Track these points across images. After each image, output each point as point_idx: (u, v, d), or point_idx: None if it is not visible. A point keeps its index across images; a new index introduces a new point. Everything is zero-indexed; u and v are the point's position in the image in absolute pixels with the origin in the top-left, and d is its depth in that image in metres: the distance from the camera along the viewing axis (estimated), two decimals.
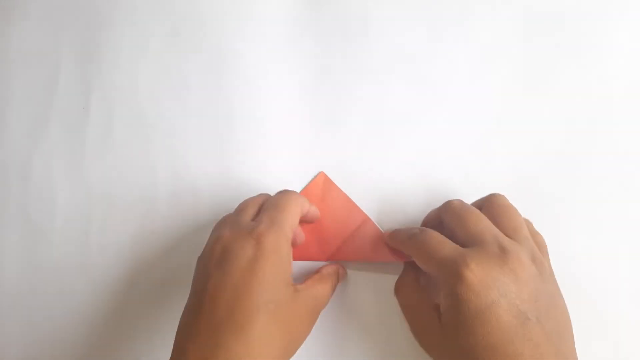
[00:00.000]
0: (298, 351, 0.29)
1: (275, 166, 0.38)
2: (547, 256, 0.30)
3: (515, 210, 0.30)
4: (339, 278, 0.34)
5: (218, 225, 0.32)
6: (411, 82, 0.38)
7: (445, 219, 0.31)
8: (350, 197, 0.36)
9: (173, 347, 0.28)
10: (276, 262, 0.28)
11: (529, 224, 0.31)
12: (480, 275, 0.26)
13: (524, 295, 0.26)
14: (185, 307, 0.29)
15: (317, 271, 0.33)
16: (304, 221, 0.34)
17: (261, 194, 0.34)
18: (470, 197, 0.36)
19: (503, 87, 0.37)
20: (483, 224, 0.29)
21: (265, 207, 0.31)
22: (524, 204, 0.36)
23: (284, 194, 0.32)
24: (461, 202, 0.31)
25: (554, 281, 0.28)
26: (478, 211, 0.30)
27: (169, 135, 0.40)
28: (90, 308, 0.38)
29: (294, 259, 0.34)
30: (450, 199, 0.36)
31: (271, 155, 0.38)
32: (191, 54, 0.40)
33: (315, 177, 0.37)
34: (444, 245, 0.28)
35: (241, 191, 0.38)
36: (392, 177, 0.37)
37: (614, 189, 0.35)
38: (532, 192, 0.36)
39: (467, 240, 0.28)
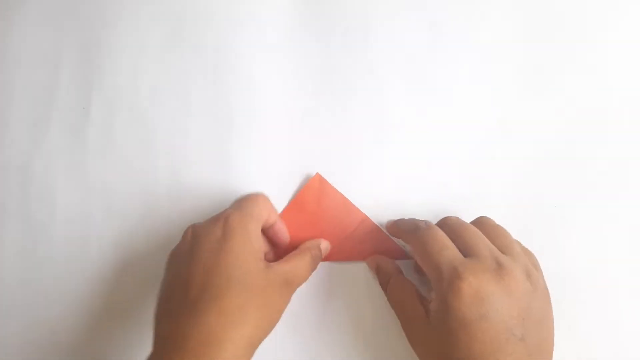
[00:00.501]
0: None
1: (275, 166, 0.38)
2: (540, 272, 0.30)
3: (505, 229, 0.31)
4: (320, 251, 0.34)
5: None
6: (411, 83, 0.38)
7: (445, 230, 0.31)
8: (348, 197, 0.36)
9: (154, 332, 0.29)
10: (243, 238, 0.29)
11: (518, 243, 0.31)
12: (475, 288, 0.26)
13: (514, 312, 0.26)
14: (159, 296, 0.30)
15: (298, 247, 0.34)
16: (271, 232, 0.35)
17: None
18: (469, 197, 0.36)
19: (503, 88, 0.37)
20: (479, 238, 0.29)
21: (234, 202, 0.34)
22: (524, 204, 0.36)
23: (251, 193, 0.35)
24: (458, 218, 0.31)
25: (547, 297, 0.29)
26: (474, 227, 0.30)
27: (169, 135, 0.40)
28: (90, 307, 0.38)
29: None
30: (450, 199, 0.36)
31: (270, 155, 0.38)
32: (191, 54, 0.40)
33: (311, 178, 0.37)
34: (446, 248, 0.28)
35: (241, 191, 0.38)
36: (391, 177, 0.37)
37: (616, 190, 0.35)
38: (532, 192, 0.36)
39: (463, 251, 0.29)
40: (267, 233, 0.35)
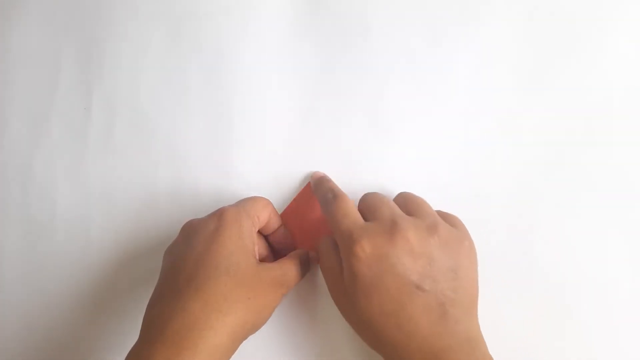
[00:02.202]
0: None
1: (274, 166, 0.38)
2: (460, 230, 0.30)
3: (421, 199, 0.32)
4: (310, 259, 0.35)
5: None
6: (411, 83, 0.38)
7: (359, 207, 0.32)
8: (349, 198, 0.36)
9: (142, 319, 0.29)
10: (236, 233, 0.30)
11: (430, 208, 0.31)
12: (370, 250, 0.27)
13: (415, 266, 0.27)
14: (155, 287, 0.30)
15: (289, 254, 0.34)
16: (274, 238, 0.35)
17: None
18: (470, 198, 0.36)
19: (504, 88, 0.37)
20: (383, 203, 0.30)
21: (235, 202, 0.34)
22: (524, 203, 0.35)
23: (256, 196, 0.35)
24: (376, 193, 0.33)
25: (460, 249, 0.29)
26: (382, 197, 0.32)
27: (170, 135, 0.40)
28: (90, 306, 0.38)
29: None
30: (450, 199, 0.36)
31: (271, 156, 0.38)
32: (192, 54, 0.40)
33: (304, 187, 0.37)
34: (347, 217, 0.30)
35: (241, 191, 0.38)
36: (391, 178, 0.37)
37: (616, 190, 0.35)
38: (533, 192, 0.36)
39: (366, 215, 0.30)
40: (270, 239, 0.36)
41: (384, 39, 0.38)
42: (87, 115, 0.41)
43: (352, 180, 0.37)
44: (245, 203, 0.33)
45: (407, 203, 0.31)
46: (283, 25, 0.40)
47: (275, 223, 0.35)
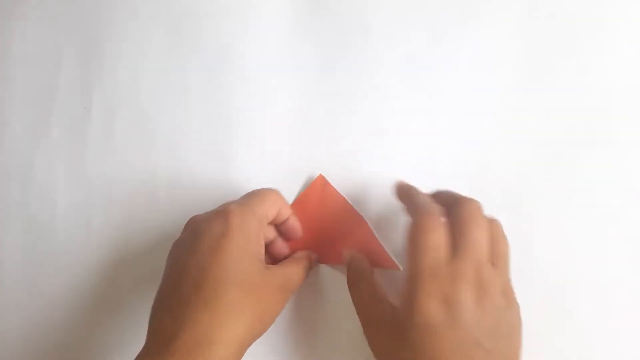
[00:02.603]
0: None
1: (275, 166, 0.38)
2: (508, 266, 0.29)
3: (507, 240, 0.30)
4: (312, 262, 0.34)
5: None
6: (411, 83, 0.38)
7: (456, 211, 0.29)
8: (349, 198, 0.36)
9: (148, 324, 0.29)
10: (243, 238, 0.29)
11: (497, 226, 0.30)
12: (447, 293, 0.26)
13: (483, 324, 0.26)
14: (159, 287, 0.30)
15: (289, 256, 0.34)
16: (283, 227, 0.35)
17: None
18: (471, 196, 0.36)
19: (504, 89, 0.37)
20: (479, 240, 0.28)
21: (243, 195, 0.33)
22: (524, 203, 0.35)
23: (265, 188, 0.33)
24: (478, 206, 0.29)
25: (518, 312, 0.28)
26: (485, 225, 0.29)
27: (170, 135, 0.40)
28: (91, 306, 0.38)
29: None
30: None
31: (271, 156, 0.38)
32: (192, 54, 0.40)
33: (314, 180, 0.37)
34: (436, 249, 0.27)
35: (241, 190, 0.38)
36: (392, 178, 0.37)
37: (616, 189, 0.35)
38: (533, 191, 0.36)
39: (455, 245, 0.28)
40: (280, 228, 0.35)
41: (384, 38, 0.38)
42: (87, 115, 0.41)
43: (353, 180, 0.37)
44: (253, 201, 0.31)
45: (495, 245, 0.28)
46: (283, 25, 0.40)
47: (285, 214, 0.34)
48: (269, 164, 0.38)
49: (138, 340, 0.37)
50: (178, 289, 0.28)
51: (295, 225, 0.35)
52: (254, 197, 0.32)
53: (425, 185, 0.36)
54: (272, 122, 0.39)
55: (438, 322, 0.26)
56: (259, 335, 0.29)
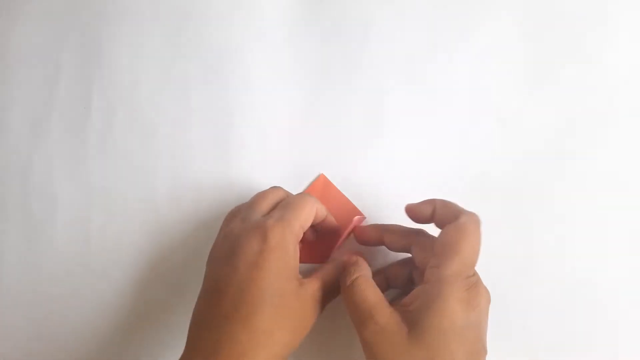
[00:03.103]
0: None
1: (275, 166, 0.38)
2: None
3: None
4: (356, 266, 0.32)
5: (230, 217, 0.33)
6: (411, 83, 0.38)
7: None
8: (350, 198, 0.36)
9: (187, 337, 0.29)
10: (281, 257, 0.29)
11: None
12: (473, 296, 0.27)
13: (484, 327, 0.28)
14: (198, 300, 0.30)
15: (327, 262, 0.33)
16: (320, 227, 0.34)
17: (275, 188, 0.34)
18: (471, 196, 0.36)
19: (503, 88, 0.37)
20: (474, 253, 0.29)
21: (280, 205, 0.32)
22: (524, 204, 0.36)
23: (301, 195, 0.33)
24: (477, 220, 0.30)
25: None
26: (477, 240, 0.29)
27: (170, 135, 0.40)
28: (90, 306, 0.38)
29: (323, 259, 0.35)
30: (451, 196, 0.36)
31: (271, 156, 0.38)
32: (192, 54, 0.40)
33: (316, 178, 0.37)
34: (473, 254, 0.29)
35: (241, 191, 0.38)
36: (392, 178, 0.37)
37: (616, 186, 0.35)
38: (533, 190, 0.36)
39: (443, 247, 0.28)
40: (318, 227, 0.34)
41: (384, 38, 0.38)
42: (87, 115, 0.41)
43: (353, 179, 0.37)
44: (290, 214, 0.31)
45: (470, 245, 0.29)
46: (283, 25, 0.40)
47: (321, 216, 0.33)
48: (270, 164, 0.38)
49: (136, 338, 0.37)
50: (217, 306, 0.29)
51: (332, 224, 0.34)
52: (291, 209, 0.31)
53: (425, 184, 0.36)
54: (272, 122, 0.39)
55: (460, 325, 0.26)
56: (295, 348, 0.29)
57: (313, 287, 0.30)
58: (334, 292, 0.32)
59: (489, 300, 0.28)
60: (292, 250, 0.30)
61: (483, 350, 0.27)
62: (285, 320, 0.28)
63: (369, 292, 0.29)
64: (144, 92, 0.40)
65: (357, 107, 0.38)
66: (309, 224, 0.32)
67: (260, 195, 0.33)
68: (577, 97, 0.36)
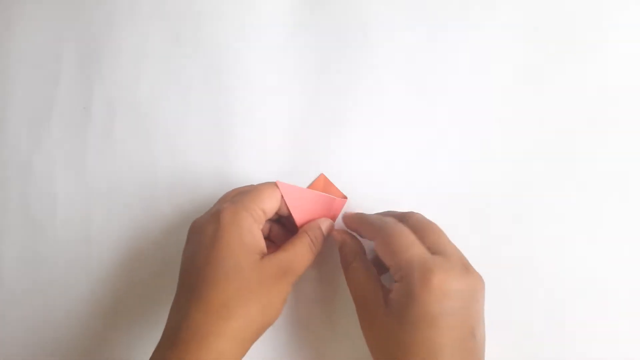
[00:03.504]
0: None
1: (276, 166, 0.38)
2: (451, 244, 0.30)
3: (427, 220, 0.30)
4: (323, 231, 0.33)
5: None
6: (411, 82, 0.38)
7: (408, 226, 0.30)
8: (350, 197, 0.36)
9: None
10: (235, 233, 0.29)
11: (417, 218, 0.31)
12: (445, 284, 0.26)
13: (475, 312, 0.27)
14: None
15: (295, 236, 0.33)
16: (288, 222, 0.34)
17: (247, 185, 0.35)
18: (471, 196, 0.36)
19: (504, 88, 0.37)
20: (444, 237, 0.29)
21: (239, 192, 0.33)
22: (525, 203, 0.36)
23: (263, 183, 0.33)
24: (422, 215, 0.31)
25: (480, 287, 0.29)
26: (437, 226, 0.30)
27: (170, 135, 0.40)
28: (90, 304, 0.38)
29: None
30: (450, 199, 0.36)
31: (271, 156, 0.38)
32: (192, 54, 0.40)
33: (316, 179, 0.37)
34: (414, 245, 0.28)
35: None
36: (392, 177, 0.37)
37: (615, 188, 0.35)
38: (533, 191, 0.36)
39: (431, 248, 0.28)
40: (288, 220, 0.35)
41: (384, 37, 0.38)
42: (87, 114, 0.41)
43: (352, 180, 0.37)
44: (245, 197, 0.31)
45: (429, 235, 0.29)
46: (283, 25, 0.40)
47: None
48: (270, 164, 0.38)
49: (136, 339, 0.37)
50: (180, 290, 0.30)
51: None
52: (247, 193, 0.32)
53: (426, 184, 0.36)
54: (272, 122, 0.39)
55: (436, 313, 0.26)
56: (263, 327, 0.29)
57: (276, 259, 0.30)
58: (301, 262, 0.31)
59: (475, 286, 0.27)
60: (248, 227, 0.30)
61: (471, 336, 0.26)
62: (245, 294, 0.28)
63: (362, 268, 0.31)
64: (144, 92, 0.40)
65: (357, 106, 0.38)
66: (271, 206, 0.32)
67: (225, 194, 0.34)
68: (578, 98, 0.36)
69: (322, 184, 0.37)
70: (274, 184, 0.33)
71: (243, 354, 0.29)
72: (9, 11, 0.43)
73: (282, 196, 0.33)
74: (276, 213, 0.33)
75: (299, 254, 0.31)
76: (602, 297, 0.34)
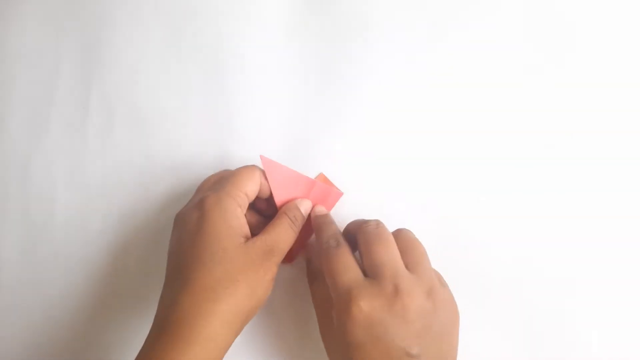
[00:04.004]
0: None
1: None
2: (445, 287, 0.30)
3: (420, 243, 0.30)
4: (302, 211, 0.33)
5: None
6: (411, 82, 0.38)
7: (359, 239, 0.30)
8: (349, 196, 0.36)
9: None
10: (218, 218, 0.30)
11: (406, 234, 0.31)
12: (366, 313, 0.27)
13: (409, 333, 0.27)
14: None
15: (276, 217, 0.33)
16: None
17: (223, 171, 0.35)
18: (470, 196, 0.36)
19: (504, 88, 0.37)
20: (387, 256, 0.29)
21: (219, 178, 0.33)
22: (524, 206, 0.36)
23: (243, 166, 0.33)
24: (377, 225, 0.31)
25: (450, 312, 0.29)
26: (389, 239, 0.30)
27: (169, 134, 0.40)
28: (90, 306, 0.38)
29: (292, 259, 0.35)
30: (453, 198, 0.36)
31: (271, 155, 0.38)
32: (191, 53, 0.40)
33: (316, 177, 0.37)
34: (347, 270, 0.29)
35: None
36: (392, 177, 0.37)
37: (615, 189, 0.35)
38: (533, 191, 0.36)
39: (368, 269, 0.29)
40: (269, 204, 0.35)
41: (384, 37, 0.39)
42: (85, 114, 0.41)
43: (352, 180, 0.37)
44: (226, 183, 0.32)
45: (408, 252, 0.30)
46: (283, 23, 0.40)
47: (268, 188, 0.34)
48: None
49: (138, 337, 0.37)
50: (167, 278, 0.30)
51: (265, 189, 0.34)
52: (227, 178, 0.32)
53: (426, 183, 0.36)
54: (272, 122, 0.39)
55: (362, 340, 0.27)
56: (254, 309, 0.30)
57: (260, 240, 0.30)
58: (284, 242, 0.31)
59: (414, 308, 0.27)
60: (232, 211, 0.30)
61: (406, 356, 0.26)
62: (233, 276, 0.28)
63: (322, 290, 0.31)
64: (143, 91, 0.40)
65: (357, 106, 0.38)
66: (252, 189, 0.32)
67: (205, 180, 0.35)
68: (577, 97, 0.37)
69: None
70: (253, 166, 0.33)
71: (234, 338, 0.29)
72: (7, 10, 0.43)
73: (263, 177, 0.33)
74: (258, 197, 0.34)
75: (281, 234, 0.31)
76: (603, 298, 0.34)
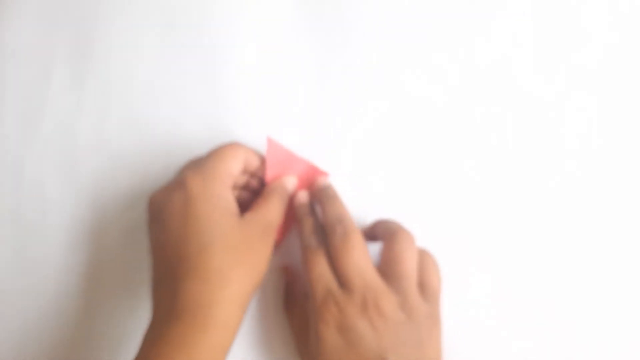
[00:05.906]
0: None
1: None
2: (433, 298, 0.30)
3: (411, 256, 0.30)
4: (288, 189, 0.34)
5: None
6: (411, 81, 0.38)
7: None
8: (349, 196, 0.36)
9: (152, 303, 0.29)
10: (208, 199, 0.29)
11: (427, 256, 0.31)
12: (338, 319, 0.28)
13: (383, 341, 0.27)
14: (152, 270, 0.30)
15: (262, 193, 0.33)
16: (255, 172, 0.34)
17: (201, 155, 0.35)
18: (470, 196, 0.36)
19: (505, 88, 0.37)
20: (360, 267, 0.29)
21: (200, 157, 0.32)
22: (525, 206, 0.36)
23: (223, 144, 0.33)
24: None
25: (428, 323, 0.29)
26: (362, 249, 0.30)
27: (164, 133, 0.39)
28: (83, 304, 0.38)
29: (280, 241, 0.35)
30: (450, 199, 0.36)
31: None
32: (187, 51, 0.40)
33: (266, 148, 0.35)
34: (323, 277, 0.29)
35: None
36: (391, 176, 0.37)
37: (615, 190, 0.36)
38: (533, 191, 0.36)
39: (340, 277, 0.29)
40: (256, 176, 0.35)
41: (384, 36, 0.38)
42: (78, 112, 0.40)
43: (352, 180, 0.37)
44: (209, 162, 0.31)
45: (390, 263, 0.30)
46: (282, 20, 0.40)
47: (254, 162, 0.34)
48: None
49: (134, 335, 0.37)
50: (164, 264, 0.29)
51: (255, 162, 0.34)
52: (210, 157, 0.31)
53: (426, 183, 0.36)
54: (272, 121, 0.38)
55: (336, 347, 0.27)
56: (255, 287, 0.29)
57: (254, 217, 0.30)
58: (275, 218, 0.31)
59: (386, 316, 0.28)
60: (219, 192, 0.30)
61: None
62: (232, 259, 0.28)
63: (300, 315, 0.33)
64: (137, 90, 0.40)
65: (357, 106, 0.38)
66: (237, 167, 0.32)
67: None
68: (578, 96, 0.37)
69: (274, 151, 0.36)
70: (235, 143, 0.33)
71: (242, 320, 0.29)
72: (2, 7, 0.42)
73: (248, 154, 0.32)
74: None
75: (272, 210, 0.31)
76: (602, 298, 0.34)
